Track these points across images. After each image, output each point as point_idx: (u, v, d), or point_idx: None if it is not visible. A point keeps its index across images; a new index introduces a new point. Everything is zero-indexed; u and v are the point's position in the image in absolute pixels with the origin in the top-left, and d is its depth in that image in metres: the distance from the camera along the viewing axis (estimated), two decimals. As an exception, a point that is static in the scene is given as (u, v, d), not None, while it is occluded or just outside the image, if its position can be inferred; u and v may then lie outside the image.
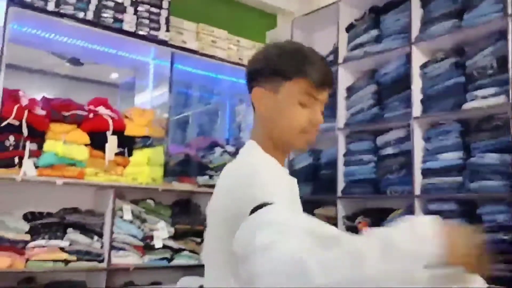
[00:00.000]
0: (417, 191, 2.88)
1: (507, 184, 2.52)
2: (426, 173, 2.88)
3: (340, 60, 3.50)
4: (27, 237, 2.62)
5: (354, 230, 3.23)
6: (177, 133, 4.49)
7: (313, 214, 3.47)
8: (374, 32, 3.34)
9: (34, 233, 2.68)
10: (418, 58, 3.02)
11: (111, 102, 3.20)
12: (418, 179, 2.90)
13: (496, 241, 2.50)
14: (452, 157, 2.79)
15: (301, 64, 1.17)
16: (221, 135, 4.38)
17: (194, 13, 3.71)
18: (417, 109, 2.98)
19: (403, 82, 3.09)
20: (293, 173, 1.41)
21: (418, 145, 2.94)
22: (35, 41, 3.27)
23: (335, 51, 3.57)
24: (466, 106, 2.75)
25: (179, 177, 3.30)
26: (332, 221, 3.36)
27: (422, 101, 2.99)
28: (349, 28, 3.53)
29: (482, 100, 2.68)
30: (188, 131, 4.53)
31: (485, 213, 2.62)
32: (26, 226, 2.65)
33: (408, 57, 3.05)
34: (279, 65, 1.17)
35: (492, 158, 2.62)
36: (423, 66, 3.00)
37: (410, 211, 2.90)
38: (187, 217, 3.23)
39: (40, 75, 3.89)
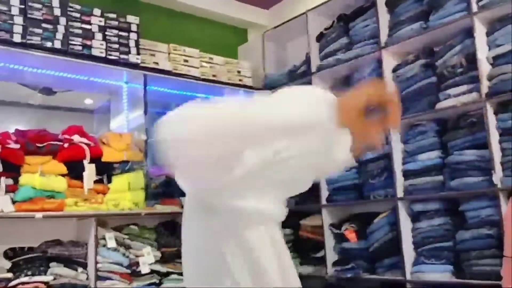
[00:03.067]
0: (400, 193, 2.90)
1: (487, 179, 2.55)
2: (407, 174, 2.90)
3: (313, 69, 3.52)
4: (9, 275, 2.54)
5: (341, 237, 3.23)
6: (157, 154, 4.45)
7: (299, 225, 3.47)
8: (344, 40, 3.38)
9: (16, 270, 2.60)
10: (389, 62, 3.06)
11: (87, 128, 3.15)
12: (400, 182, 2.92)
13: (481, 237, 2.52)
14: (431, 157, 2.81)
15: None
16: (201, 152, 4.35)
17: (164, 34, 3.71)
18: (392, 112, 2.99)
19: (376, 86, 3.11)
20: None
21: (397, 148, 2.96)
22: (5, 74, 3.21)
23: (307, 61, 3.59)
24: (440, 105, 2.78)
25: (161, 199, 3.26)
26: (319, 230, 3.35)
27: (397, 104, 3.01)
28: (319, 38, 3.56)
29: (455, 98, 2.72)
30: (169, 151, 4.50)
31: (468, 210, 2.65)
32: (7, 264, 2.57)
33: (379, 61, 3.09)
34: None
35: (470, 154, 2.65)
36: (395, 69, 3.04)
37: (394, 213, 2.91)
38: (173, 239, 3.18)
39: (12, 108, 3.83)
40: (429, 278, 2.69)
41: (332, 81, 3.53)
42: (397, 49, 3.04)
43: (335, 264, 3.23)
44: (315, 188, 3.42)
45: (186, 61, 3.54)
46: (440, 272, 2.66)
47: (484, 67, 2.60)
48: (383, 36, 3.08)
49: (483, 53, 2.62)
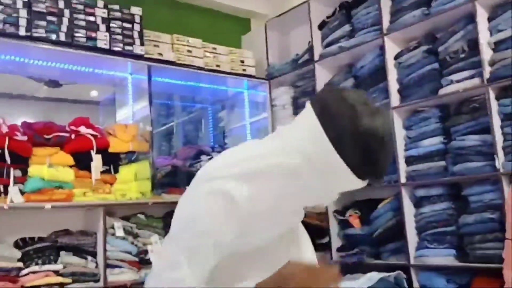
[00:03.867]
0: (403, 179, 2.93)
1: (489, 164, 2.57)
2: (409, 160, 2.93)
3: (316, 57, 3.53)
4: (20, 264, 2.60)
5: (346, 223, 3.27)
6: (163, 145, 4.49)
7: (304, 213, 3.50)
8: (346, 27, 3.39)
9: (27, 259, 2.65)
10: (391, 48, 3.07)
11: (93, 120, 3.19)
12: (403, 167, 2.94)
13: (484, 221, 2.55)
14: (433, 143, 2.84)
15: (361, 166, 0.97)
16: (206, 142, 4.39)
17: (167, 24, 3.72)
18: (395, 98, 3.02)
19: (379, 73, 3.14)
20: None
21: (400, 134, 2.98)
22: (11, 67, 3.25)
23: (310, 49, 3.61)
24: (443, 91, 2.80)
25: (168, 188, 3.30)
26: (323, 216, 3.39)
27: (399, 91, 3.03)
28: (321, 26, 3.57)
29: (458, 84, 2.74)
30: (174, 141, 4.54)
31: (471, 194, 2.67)
32: (17, 254, 2.62)
33: (382, 48, 3.10)
34: (344, 148, 0.95)
35: (472, 139, 2.67)
36: (397, 56, 3.05)
37: (397, 199, 2.94)
38: (180, 227, 3.22)
39: (19, 100, 3.88)
40: (432, 262, 2.73)
41: (335, 69, 3.54)
42: (399, 35, 3.05)
43: (339, 249, 3.27)
44: (319, 175, 3.46)
45: (189, 51, 3.56)
46: (443, 256, 2.69)
47: (486, 53, 2.61)
48: (385, 23, 3.09)
49: (485, 39, 2.63)
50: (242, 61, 3.88)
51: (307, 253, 1.29)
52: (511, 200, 2.05)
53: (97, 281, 2.80)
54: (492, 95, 2.56)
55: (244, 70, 3.88)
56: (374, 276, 1.53)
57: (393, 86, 3.03)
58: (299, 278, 0.97)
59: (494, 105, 2.56)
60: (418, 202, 2.89)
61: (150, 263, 2.99)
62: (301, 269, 0.99)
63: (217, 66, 3.70)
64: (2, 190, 2.59)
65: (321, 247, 3.44)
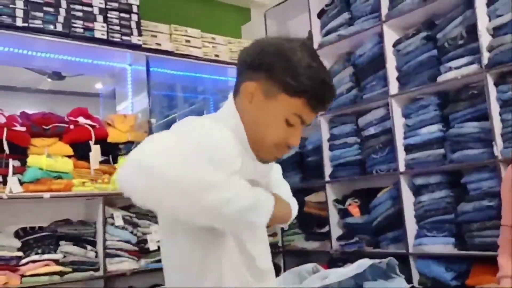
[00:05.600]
0: (402, 167, 2.91)
1: (488, 151, 2.54)
2: (408, 148, 2.91)
3: (315, 46, 3.50)
4: (20, 253, 2.62)
5: (345, 212, 3.26)
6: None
7: (304, 202, 3.50)
8: (345, 15, 3.36)
9: (27, 248, 2.68)
10: (390, 36, 3.04)
11: (94, 112, 3.21)
12: (401, 156, 2.92)
13: (482, 208, 2.53)
14: (432, 130, 2.81)
15: (309, 85, 1.06)
16: (208, 133, 4.38)
17: (165, 14, 3.71)
18: (393, 86, 3.00)
19: (378, 61, 3.11)
20: (280, 163, 1.42)
21: (398, 122, 2.96)
22: (11, 59, 3.26)
23: (309, 38, 3.58)
24: (441, 78, 2.76)
25: (167, 178, 3.31)
26: (323, 205, 3.39)
27: (398, 79, 3.01)
28: (320, 14, 3.55)
29: (456, 71, 2.70)
30: (177, 133, 4.55)
31: (469, 182, 2.65)
32: (17, 243, 2.65)
33: (381, 36, 3.07)
34: (288, 78, 1.06)
35: (471, 126, 2.64)
36: (396, 43, 3.02)
37: (396, 188, 2.92)
38: (179, 217, 3.24)
39: (22, 93, 3.90)
40: (431, 251, 2.71)
41: (334, 58, 3.52)
42: (398, 22, 3.02)
43: (339, 238, 3.26)
44: (318, 165, 3.45)
45: (188, 41, 3.55)
46: (442, 244, 2.67)
47: (485, 38, 2.57)
48: (384, 10, 3.06)
49: (483, 24, 2.59)
50: (242, 51, 3.85)
51: None
52: (506, 185, 2.02)
53: (97, 270, 2.83)
54: (490, 81, 2.53)
55: (243, 60, 3.84)
56: (364, 263, 1.52)
57: (392, 74, 3.01)
58: None
59: (492, 91, 2.52)
60: (417, 191, 2.87)
61: (150, 252, 3.02)
62: None
63: (216, 56, 3.69)
64: (1, 180, 2.61)
65: (321, 236, 3.44)
